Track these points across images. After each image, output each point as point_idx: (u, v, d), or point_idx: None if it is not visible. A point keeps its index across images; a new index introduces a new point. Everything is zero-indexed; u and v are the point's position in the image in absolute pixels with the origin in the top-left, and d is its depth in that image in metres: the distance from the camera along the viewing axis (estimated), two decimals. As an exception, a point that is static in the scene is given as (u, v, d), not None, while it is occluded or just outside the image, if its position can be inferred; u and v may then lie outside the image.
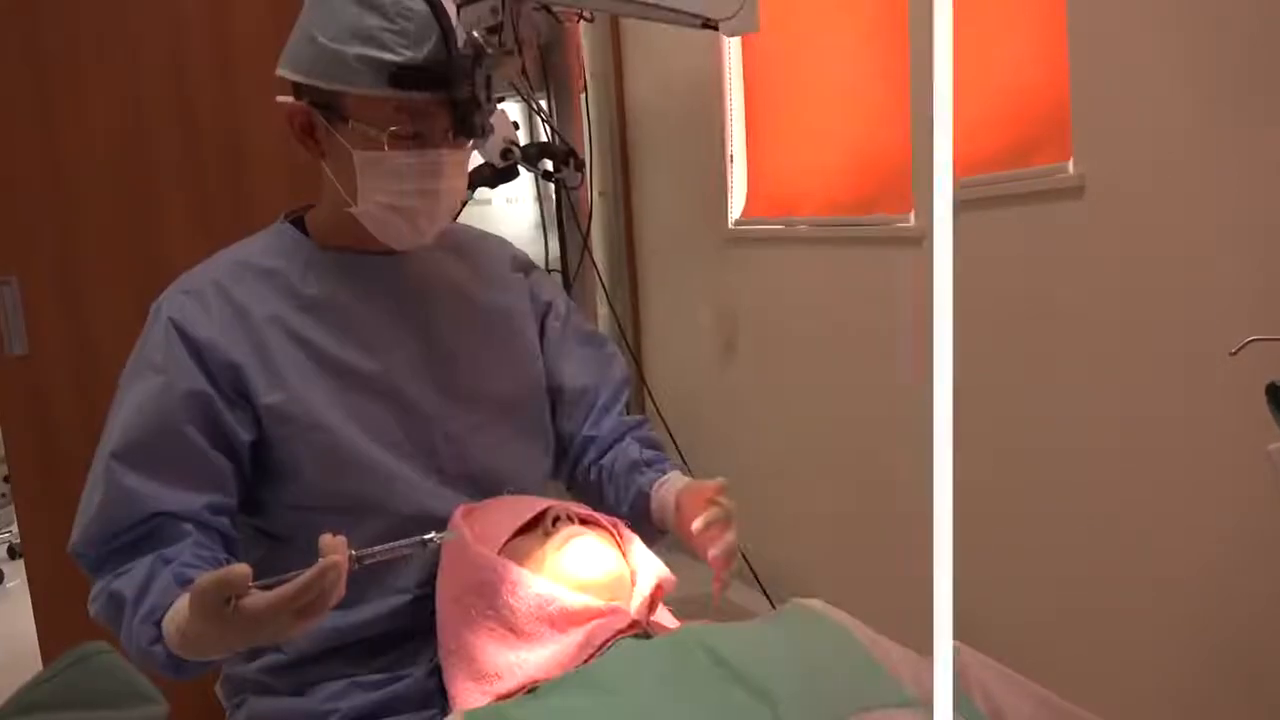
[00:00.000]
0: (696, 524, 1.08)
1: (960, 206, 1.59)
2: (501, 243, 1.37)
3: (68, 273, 2.01)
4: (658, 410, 2.34)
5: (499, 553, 1.02)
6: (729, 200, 2.37)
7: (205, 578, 0.84)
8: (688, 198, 2.50)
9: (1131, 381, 1.50)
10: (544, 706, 0.84)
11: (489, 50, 1.06)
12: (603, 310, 2.49)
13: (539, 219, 2.55)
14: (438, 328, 1.20)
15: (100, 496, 1.03)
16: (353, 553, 0.87)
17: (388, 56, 1.04)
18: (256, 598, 0.84)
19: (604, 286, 2.58)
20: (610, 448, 1.31)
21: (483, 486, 1.17)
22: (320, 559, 0.85)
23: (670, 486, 1.20)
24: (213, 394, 1.06)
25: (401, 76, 1.04)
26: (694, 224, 2.48)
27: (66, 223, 2.00)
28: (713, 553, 1.06)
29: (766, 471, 2.35)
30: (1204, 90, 1.34)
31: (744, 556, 2.31)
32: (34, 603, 2.04)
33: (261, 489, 1.11)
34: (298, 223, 1.21)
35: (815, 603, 1.03)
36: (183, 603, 0.90)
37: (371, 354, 1.14)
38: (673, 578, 1.06)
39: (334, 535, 0.87)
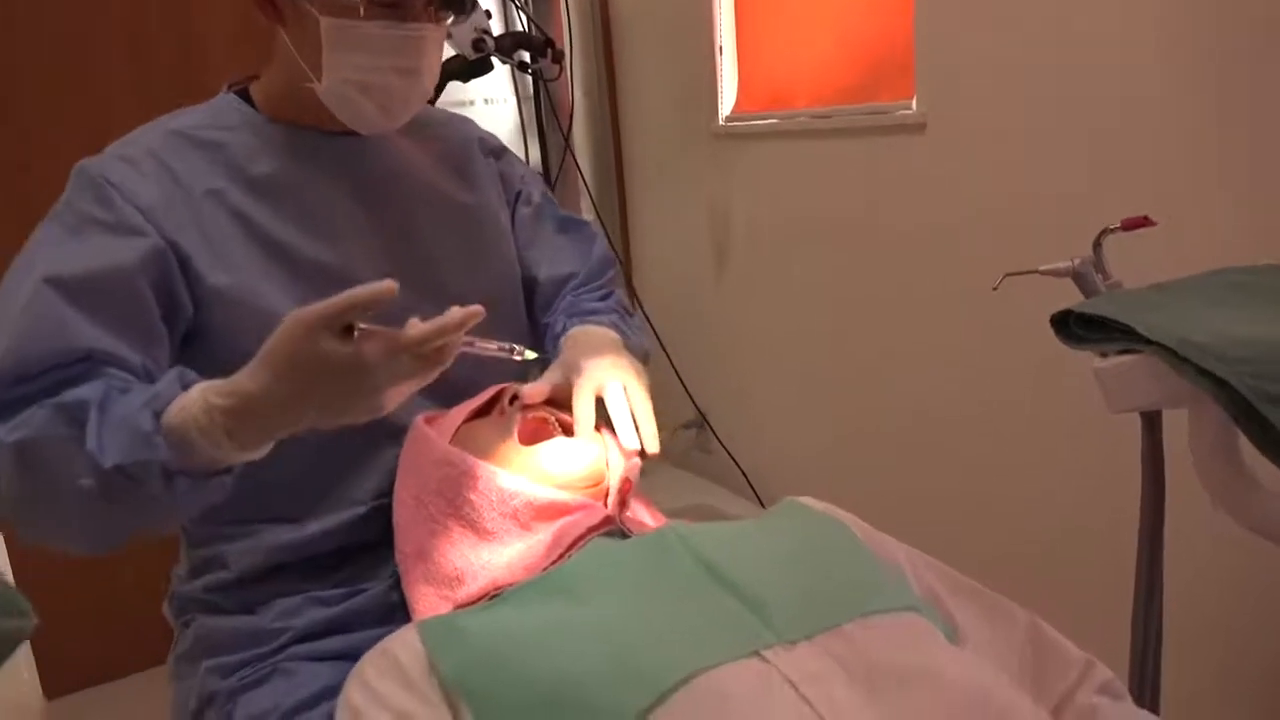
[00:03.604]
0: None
1: (815, 135, 1.98)
2: (468, 123, 1.25)
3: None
4: (648, 319, 2.23)
5: (452, 440, 0.92)
6: (719, 95, 2.22)
7: (316, 305, 0.72)
8: (676, 94, 2.35)
9: (960, 297, 1.70)
10: (497, 616, 0.74)
11: None
12: (589, 217, 2.36)
13: (518, 122, 2.40)
14: (400, 219, 1.09)
15: (26, 321, 0.84)
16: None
17: None
18: (376, 336, 0.74)
19: (589, 192, 2.45)
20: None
21: (449, 391, 1.05)
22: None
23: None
24: (170, 256, 0.93)
25: None
26: (683, 122, 2.34)
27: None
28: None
29: (761, 379, 2.26)
30: (1035, 36, 1.51)
31: (737, 465, 2.24)
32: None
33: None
34: (242, 94, 1.08)
35: (811, 500, 0.94)
36: (230, 385, 0.76)
37: (327, 242, 1.02)
38: (637, 466, 0.96)
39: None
